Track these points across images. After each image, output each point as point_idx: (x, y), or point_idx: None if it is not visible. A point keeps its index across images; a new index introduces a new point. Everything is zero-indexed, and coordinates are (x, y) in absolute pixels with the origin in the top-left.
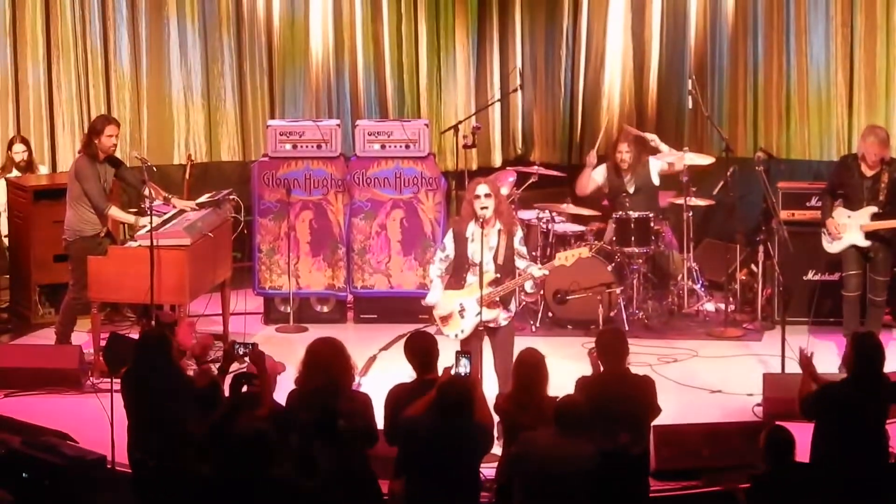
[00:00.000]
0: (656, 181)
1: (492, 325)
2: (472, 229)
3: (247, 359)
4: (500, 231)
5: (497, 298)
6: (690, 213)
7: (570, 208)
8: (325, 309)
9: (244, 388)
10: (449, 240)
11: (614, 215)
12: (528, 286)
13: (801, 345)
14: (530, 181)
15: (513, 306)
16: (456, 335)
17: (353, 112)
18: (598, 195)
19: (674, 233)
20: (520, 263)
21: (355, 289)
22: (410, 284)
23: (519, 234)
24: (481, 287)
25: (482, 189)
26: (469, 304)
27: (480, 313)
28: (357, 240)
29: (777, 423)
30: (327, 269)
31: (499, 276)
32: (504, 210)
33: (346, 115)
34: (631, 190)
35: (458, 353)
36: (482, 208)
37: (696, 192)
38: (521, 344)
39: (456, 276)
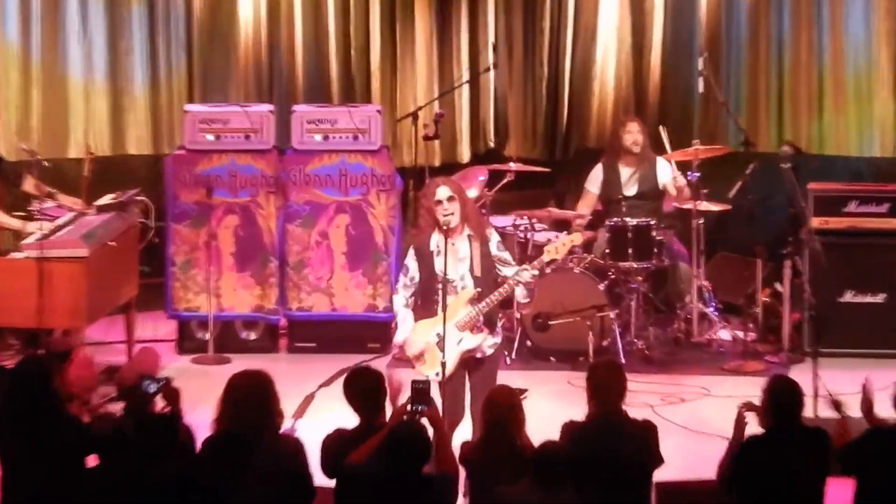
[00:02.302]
0: (664, 187)
1: (477, 354)
2: (437, 241)
3: (159, 398)
4: (469, 237)
5: (482, 319)
6: (701, 221)
7: (554, 213)
8: (253, 336)
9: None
10: (411, 259)
11: (608, 222)
12: (520, 294)
13: (866, 375)
14: (505, 181)
15: (499, 329)
16: (437, 374)
17: (288, 96)
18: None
19: (681, 244)
20: (507, 271)
21: (290, 311)
22: (357, 306)
23: (494, 237)
24: (444, 306)
25: (443, 192)
26: (447, 332)
27: (460, 340)
28: (293, 251)
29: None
30: (256, 288)
31: (479, 290)
32: (471, 213)
33: (280, 100)
34: (631, 192)
35: (414, 383)
36: (446, 215)
37: (709, 195)
38: None
39: (426, 301)
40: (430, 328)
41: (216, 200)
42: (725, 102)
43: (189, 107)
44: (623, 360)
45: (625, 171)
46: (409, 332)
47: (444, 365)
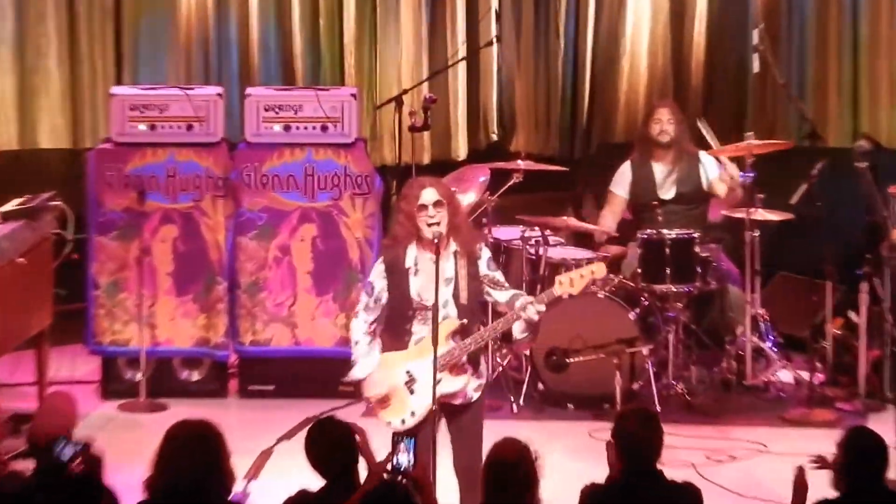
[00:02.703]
0: (709, 187)
1: (457, 400)
2: (415, 256)
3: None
4: (455, 254)
5: (465, 358)
6: (757, 233)
7: (573, 223)
8: (196, 376)
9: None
10: (378, 276)
11: (639, 234)
12: (518, 330)
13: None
14: (511, 183)
15: (484, 368)
16: (403, 421)
17: (241, 76)
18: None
19: (731, 262)
20: (499, 296)
21: (242, 346)
22: (326, 339)
23: (485, 253)
24: (435, 343)
25: (429, 195)
26: (421, 372)
27: (436, 383)
28: (246, 270)
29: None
30: (199, 316)
31: (465, 321)
32: (461, 223)
33: (231, 82)
34: (668, 195)
35: (396, 436)
36: (432, 224)
37: (765, 201)
38: (495, 431)
39: (395, 331)
40: (399, 365)
41: (150, 206)
42: (786, 85)
43: (116, 89)
44: (658, 408)
45: (659, 170)
46: (373, 367)
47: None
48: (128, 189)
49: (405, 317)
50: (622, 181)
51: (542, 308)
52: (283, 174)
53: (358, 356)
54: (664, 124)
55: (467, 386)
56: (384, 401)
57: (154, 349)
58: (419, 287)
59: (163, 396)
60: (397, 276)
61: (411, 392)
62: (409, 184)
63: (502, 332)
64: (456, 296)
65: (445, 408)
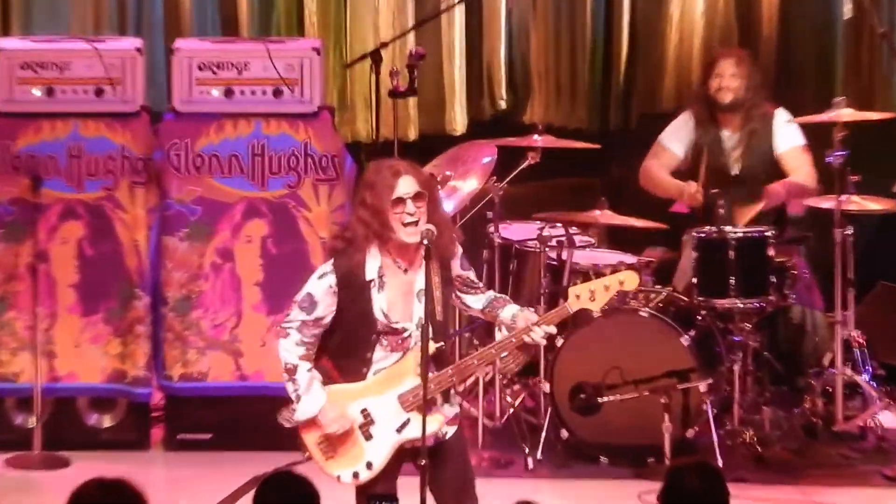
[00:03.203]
0: (787, 156)
1: (433, 441)
2: (379, 264)
3: None
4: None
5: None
6: (850, 231)
7: (606, 217)
8: (108, 422)
9: None
10: (324, 291)
11: (694, 233)
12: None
13: None
14: (525, 165)
15: (453, 392)
16: (356, 475)
17: (168, 26)
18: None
19: (815, 270)
20: (472, 301)
21: (169, 381)
22: (281, 372)
23: (458, 250)
24: (425, 374)
25: (407, 185)
26: (381, 411)
27: (404, 425)
28: (174, 281)
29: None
30: (113, 342)
31: (441, 344)
32: (440, 221)
33: (153, 32)
34: (734, 170)
35: (372, 499)
36: (409, 223)
37: (861, 187)
38: (505, 495)
39: (344, 358)
40: (351, 402)
41: (47, 197)
42: (888, 35)
43: (2, 42)
44: (721, 462)
45: (726, 137)
46: (321, 403)
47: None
48: (17, 174)
49: (364, 342)
50: (679, 134)
51: (553, 330)
52: (224, 154)
53: (299, 388)
54: (726, 79)
55: (440, 425)
56: (333, 447)
57: (52, 386)
58: (386, 305)
59: (64, 448)
60: (353, 291)
61: (367, 437)
62: (375, 168)
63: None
64: (430, 311)
65: (406, 452)
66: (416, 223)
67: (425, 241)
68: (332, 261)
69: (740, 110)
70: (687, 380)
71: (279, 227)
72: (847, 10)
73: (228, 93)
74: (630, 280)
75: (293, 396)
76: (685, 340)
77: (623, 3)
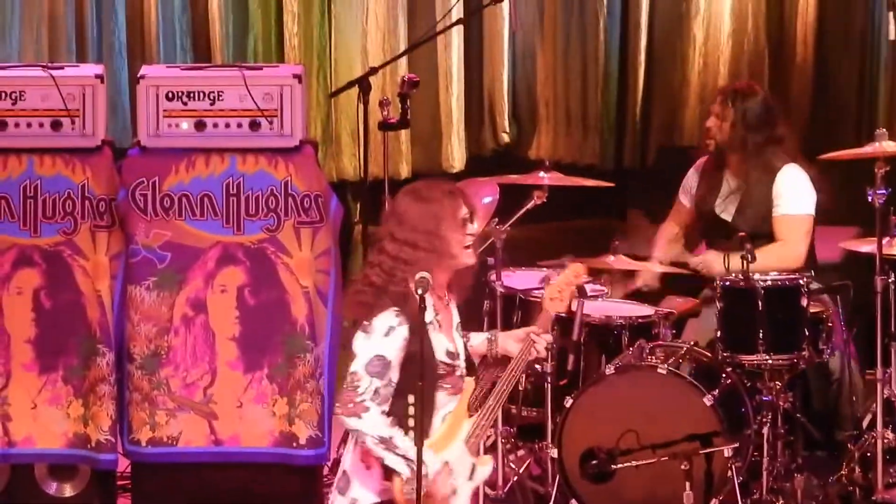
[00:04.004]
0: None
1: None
2: (432, 301)
3: None
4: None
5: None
6: (892, 279)
7: (621, 263)
8: (69, 491)
9: None
10: (395, 346)
11: (719, 281)
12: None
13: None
14: (530, 205)
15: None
16: None
17: (132, 50)
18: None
19: (853, 323)
20: (474, 337)
21: (137, 447)
22: (260, 436)
23: None
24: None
25: (463, 205)
26: (456, 460)
27: (472, 471)
28: (141, 336)
29: None
30: (73, 403)
31: (477, 377)
32: None
33: (116, 57)
34: (725, 214)
35: None
36: (469, 245)
37: None
38: None
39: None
40: (436, 454)
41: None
42: None
43: None
44: None
45: (729, 183)
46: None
47: None
48: None
49: (429, 390)
50: (688, 184)
51: (550, 339)
52: (195, 194)
53: (408, 454)
54: (709, 121)
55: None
56: None
57: (7, 451)
58: (446, 343)
59: None
60: (418, 337)
61: (453, 491)
62: (425, 190)
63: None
64: (466, 345)
65: None
66: (471, 247)
67: (419, 291)
68: (395, 309)
69: (735, 153)
70: (710, 444)
71: (257, 276)
72: (891, 32)
73: (200, 125)
74: (575, 269)
75: (403, 467)
76: (708, 400)
77: (640, 23)
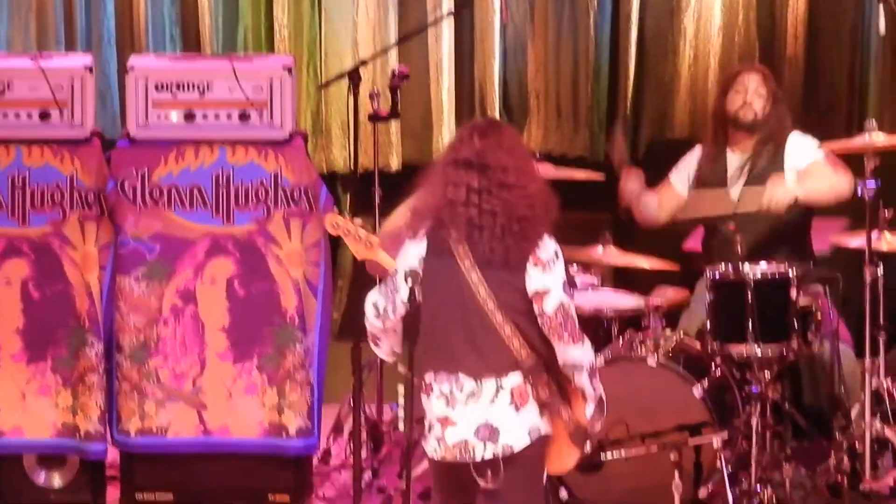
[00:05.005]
0: (798, 190)
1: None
2: None
3: None
4: None
5: None
6: (879, 269)
7: (610, 255)
8: (58, 481)
9: None
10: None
11: (709, 271)
12: None
13: None
14: None
15: None
16: None
17: (121, 41)
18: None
19: (842, 313)
20: None
21: (125, 436)
22: (249, 427)
23: None
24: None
25: None
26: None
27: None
28: (130, 326)
29: None
30: (62, 393)
31: None
32: None
33: (105, 47)
34: (734, 195)
35: None
36: None
37: (895, 221)
38: None
39: None
40: None
41: None
42: None
43: None
44: None
45: (734, 160)
46: None
47: None
48: None
49: None
50: (684, 167)
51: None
52: (185, 185)
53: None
54: (749, 95)
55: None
56: None
57: None
58: None
59: None
60: None
61: None
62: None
63: None
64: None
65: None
66: None
67: (409, 282)
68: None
69: (758, 133)
70: (699, 434)
71: (247, 267)
72: (882, 25)
73: (189, 116)
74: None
75: (596, 396)
76: (697, 391)
77: (631, 16)
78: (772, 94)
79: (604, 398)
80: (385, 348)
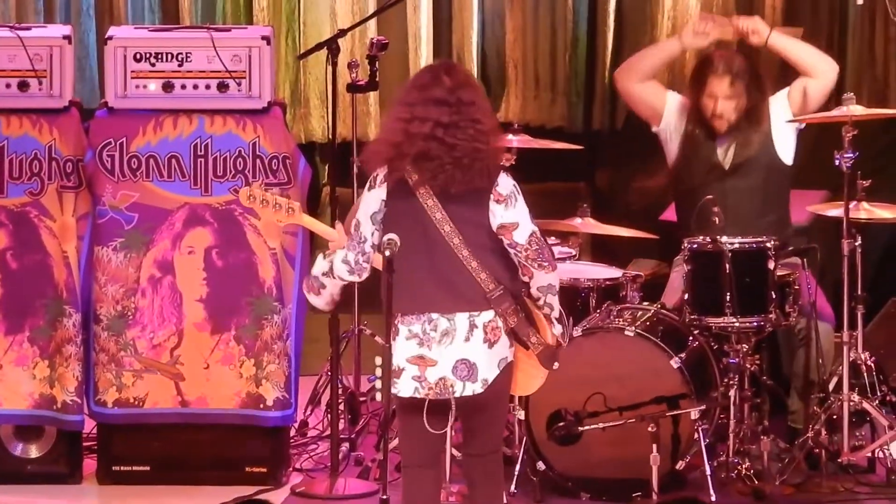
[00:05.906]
0: (785, 150)
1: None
2: None
3: None
4: None
5: None
6: (858, 242)
7: (588, 226)
8: (35, 452)
9: None
10: None
11: (687, 244)
12: None
13: None
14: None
15: None
16: None
17: (100, 12)
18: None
19: (821, 284)
20: None
21: (102, 407)
22: (226, 398)
23: None
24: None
25: None
26: None
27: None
28: (108, 297)
29: None
30: (39, 364)
31: None
32: None
33: (83, 18)
34: (726, 165)
35: None
36: None
37: (872, 193)
38: None
39: None
40: None
41: None
42: None
43: None
44: (714, 497)
45: (719, 132)
46: None
47: None
48: None
49: None
50: (672, 104)
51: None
52: (163, 155)
53: None
54: (720, 106)
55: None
56: None
57: None
58: None
59: None
60: None
61: None
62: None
63: None
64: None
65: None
66: None
67: (387, 253)
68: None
69: (736, 128)
70: (677, 406)
71: (225, 237)
72: None
73: (168, 87)
74: (242, 193)
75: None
76: (675, 363)
77: None
78: (745, 87)
79: (562, 311)
80: (326, 296)
